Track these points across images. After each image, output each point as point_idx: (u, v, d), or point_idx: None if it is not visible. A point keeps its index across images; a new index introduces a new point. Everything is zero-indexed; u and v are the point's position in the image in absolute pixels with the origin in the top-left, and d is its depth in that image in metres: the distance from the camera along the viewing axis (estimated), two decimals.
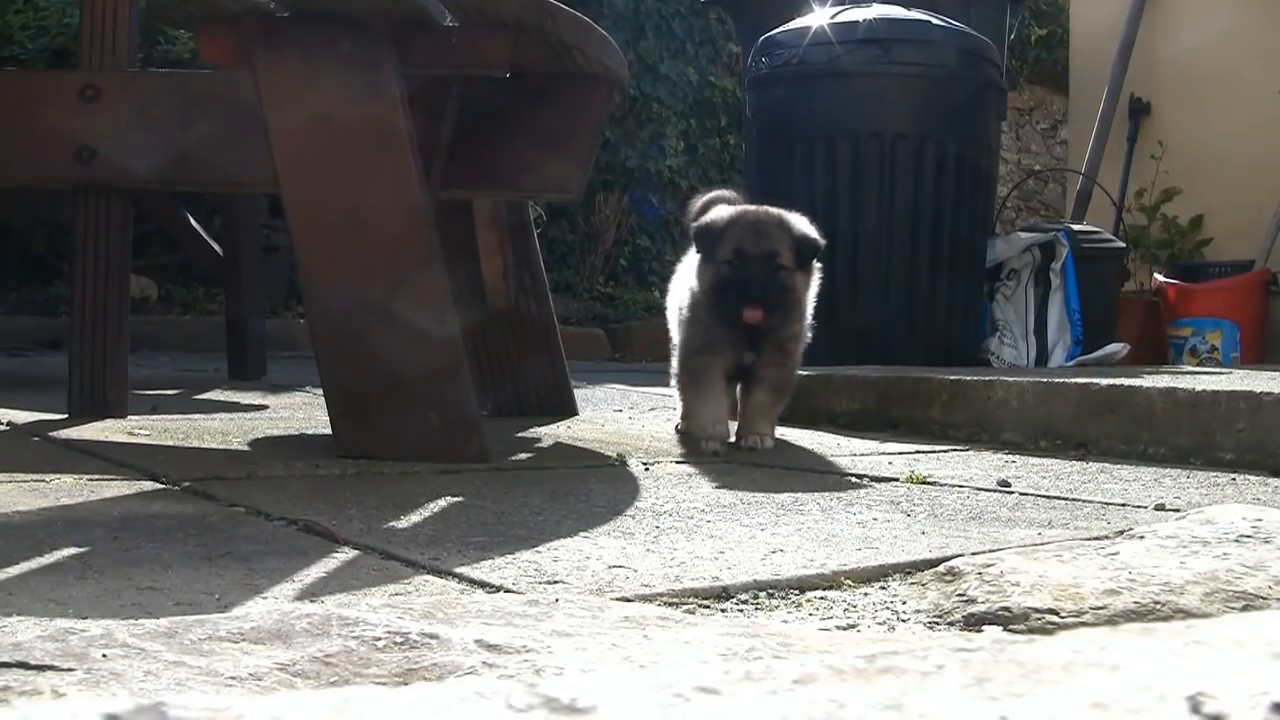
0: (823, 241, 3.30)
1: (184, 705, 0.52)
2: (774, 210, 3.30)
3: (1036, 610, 1.58)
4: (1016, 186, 9.78)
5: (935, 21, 5.34)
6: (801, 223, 3.28)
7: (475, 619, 1.36)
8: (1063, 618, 1.56)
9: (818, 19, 5.35)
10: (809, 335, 3.47)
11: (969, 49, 5.38)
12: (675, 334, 3.47)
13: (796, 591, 1.73)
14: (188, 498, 2.42)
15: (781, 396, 3.40)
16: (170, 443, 3.22)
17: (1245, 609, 1.55)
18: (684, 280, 3.44)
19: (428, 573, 1.79)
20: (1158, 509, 2.47)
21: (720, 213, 3.31)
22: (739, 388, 3.48)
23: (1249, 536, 1.78)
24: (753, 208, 3.33)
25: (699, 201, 3.74)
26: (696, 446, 3.25)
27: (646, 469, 2.98)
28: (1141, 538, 1.84)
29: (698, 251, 3.28)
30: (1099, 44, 8.50)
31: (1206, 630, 0.74)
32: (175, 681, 1.14)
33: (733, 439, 3.42)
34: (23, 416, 3.65)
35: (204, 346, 7.19)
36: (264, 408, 4.24)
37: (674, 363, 3.46)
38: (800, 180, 5.21)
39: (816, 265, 3.41)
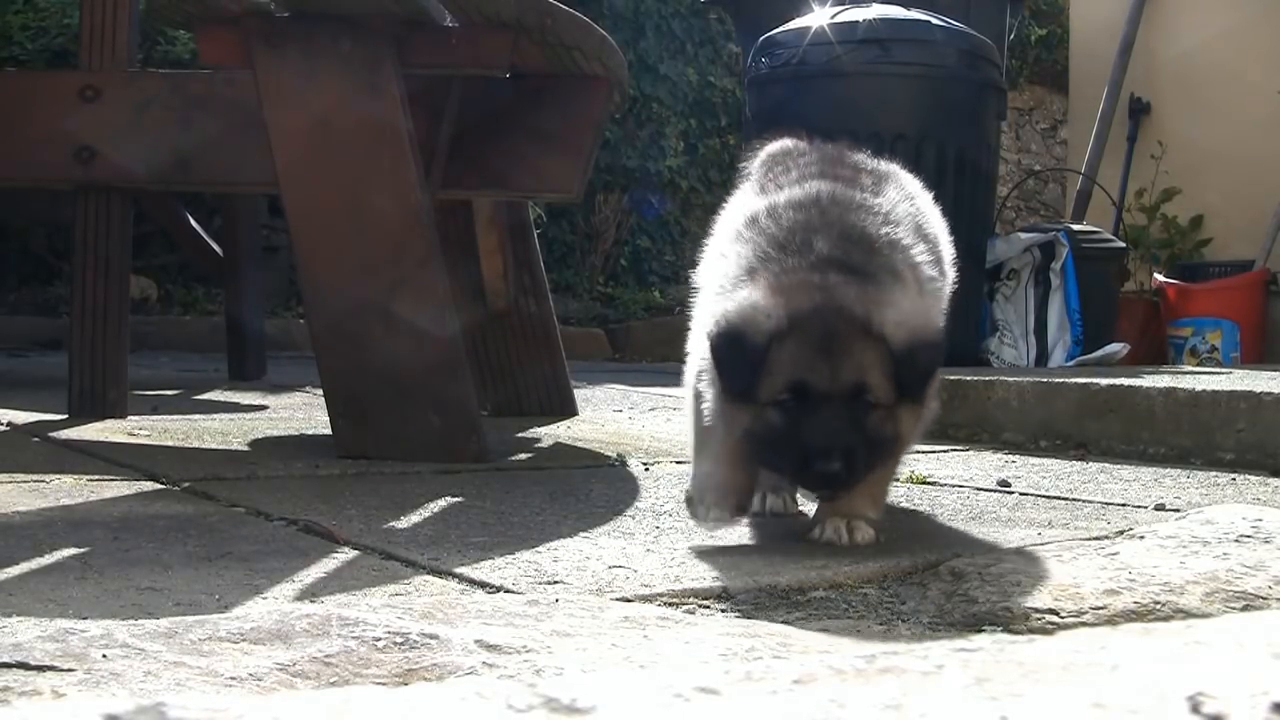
0: (942, 344, 2.05)
1: (184, 705, 0.52)
2: (858, 305, 1.96)
3: (1036, 610, 1.58)
4: (1016, 186, 9.78)
5: (935, 21, 5.34)
6: (901, 316, 1.99)
7: (475, 619, 1.36)
8: (1063, 618, 1.56)
9: (818, 19, 5.35)
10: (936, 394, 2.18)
11: (969, 49, 5.38)
12: (693, 370, 2.20)
13: (797, 592, 1.73)
14: (188, 498, 2.42)
15: (890, 463, 2.14)
16: (170, 443, 3.22)
17: (1245, 609, 1.55)
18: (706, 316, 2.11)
19: (428, 573, 1.79)
20: (1158, 509, 2.47)
21: (757, 306, 1.98)
22: None
23: (1249, 536, 1.78)
24: (819, 302, 1.97)
25: (755, 159, 2.45)
26: (693, 512, 2.13)
27: (646, 469, 2.98)
28: (1141, 538, 1.84)
29: (723, 383, 2.01)
30: (1099, 44, 8.49)
31: (1206, 630, 0.74)
32: (175, 682, 1.14)
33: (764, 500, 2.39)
34: (23, 416, 3.64)
35: (204, 346, 7.19)
36: (264, 408, 4.24)
37: (687, 396, 2.25)
38: None
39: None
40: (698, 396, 2.15)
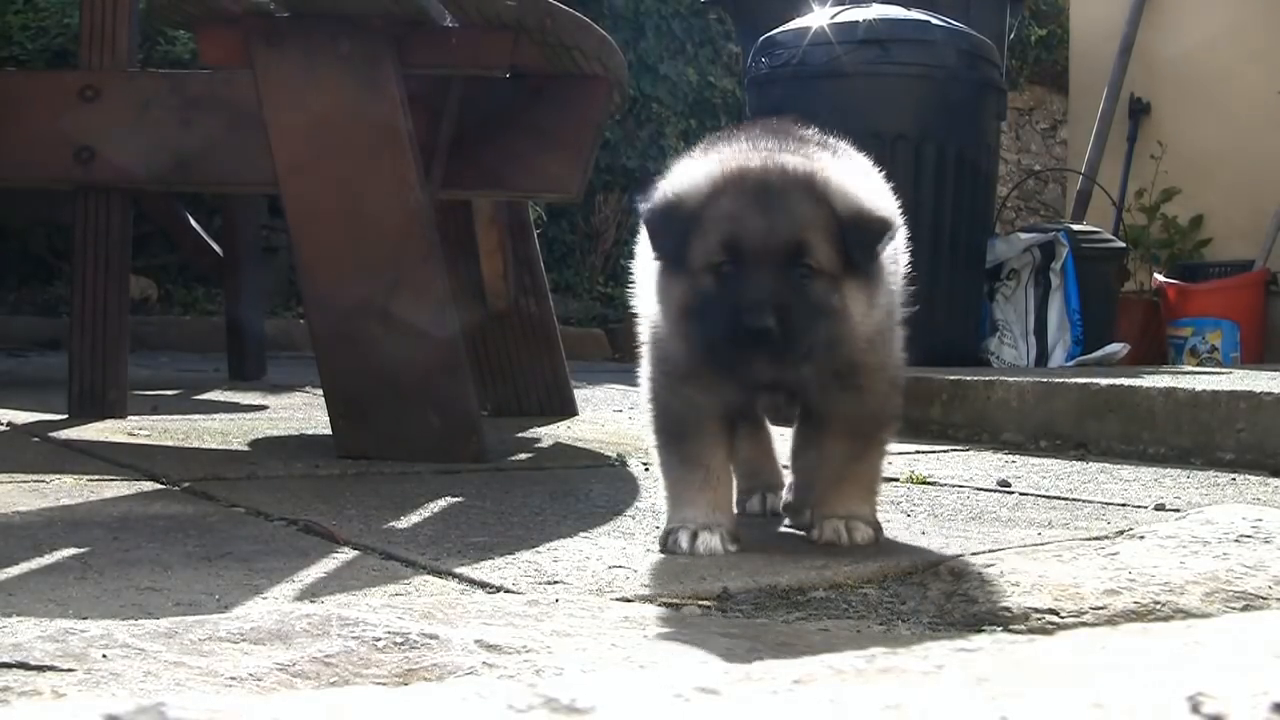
0: (896, 219, 1.94)
1: (184, 705, 0.52)
2: (799, 161, 1.89)
3: (1036, 610, 1.58)
4: (1016, 186, 9.78)
5: (935, 21, 5.33)
6: (853, 183, 1.91)
7: (475, 619, 1.36)
8: (1063, 618, 1.56)
9: (818, 19, 5.35)
10: (901, 358, 2.09)
11: (969, 49, 5.38)
12: (644, 363, 2.08)
13: (797, 592, 1.73)
14: (187, 498, 2.42)
15: (871, 443, 2.05)
16: (170, 443, 3.22)
17: (1245, 609, 1.55)
18: (645, 287, 2.05)
19: (428, 573, 1.79)
20: (1158, 509, 2.47)
21: (694, 173, 1.91)
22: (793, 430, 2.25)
23: (1249, 536, 1.78)
24: (760, 157, 1.89)
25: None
26: (674, 546, 1.95)
27: (646, 469, 2.98)
28: (1141, 538, 1.84)
29: (654, 251, 1.92)
30: (1099, 44, 8.50)
31: (1206, 630, 0.74)
32: (175, 682, 1.14)
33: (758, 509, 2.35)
34: (23, 416, 3.64)
35: (204, 346, 7.19)
36: (264, 408, 4.24)
37: (645, 398, 2.09)
38: None
39: (894, 255, 2.07)
40: (658, 409, 2.04)
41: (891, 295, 2.02)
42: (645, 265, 2.01)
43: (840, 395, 1.98)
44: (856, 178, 1.94)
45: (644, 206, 1.91)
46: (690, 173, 1.91)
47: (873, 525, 2.03)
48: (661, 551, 1.95)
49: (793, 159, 1.88)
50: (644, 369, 2.05)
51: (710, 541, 1.93)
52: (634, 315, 2.08)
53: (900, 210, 2.07)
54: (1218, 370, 5.10)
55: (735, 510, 2.08)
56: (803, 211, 1.83)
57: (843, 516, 2.01)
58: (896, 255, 2.09)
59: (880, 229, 1.86)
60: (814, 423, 2.07)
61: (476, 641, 1.28)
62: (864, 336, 1.92)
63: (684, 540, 1.93)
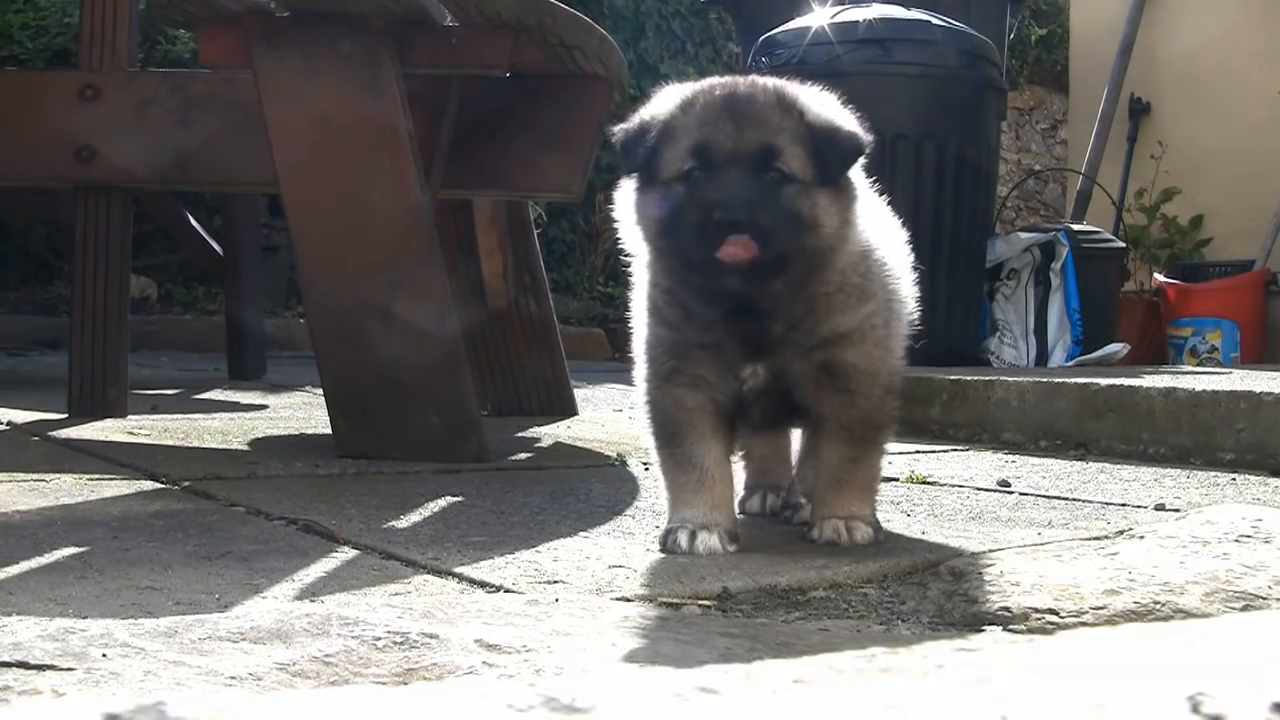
0: (867, 137, 1.92)
1: (184, 705, 0.52)
2: (770, 80, 1.93)
3: (1036, 610, 1.58)
4: (1016, 186, 9.78)
5: (935, 21, 5.33)
6: (820, 101, 1.93)
7: (475, 619, 1.36)
8: (1063, 618, 1.56)
9: (818, 19, 5.35)
10: (905, 327, 2.10)
11: (969, 49, 5.38)
12: (638, 365, 2.07)
13: (797, 592, 1.73)
14: (187, 497, 2.42)
15: (868, 445, 2.01)
16: (170, 442, 3.22)
17: (1245, 609, 1.55)
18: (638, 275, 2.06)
19: (428, 572, 1.79)
20: (1158, 509, 2.47)
21: (665, 95, 1.95)
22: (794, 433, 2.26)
23: (1249, 536, 1.78)
24: (730, 78, 1.94)
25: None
26: (673, 546, 1.95)
27: (646, 469, 2.98)
28: (1141, 538, 1.84)
29: (626, 168, 1.93)
30: (1099, 44, 8.49)
31: (1206, 630, 0.74)
32: (175, 681, 1.14)
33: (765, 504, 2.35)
34: (23, 416, 3.64)
35: (204, 346, 7.19)
36: (264, 407, 4.24)
37: (640, 400, 2.07)
38: None
39: (887, 220, 2.09)
40: (655, 413, 2.02)
41: (890, 294, 2.01)
42: (625, 198, 1.99)
43: (834, 398, 1.96)
44: (827, 99, 1.95)
45: (618, 128, 1.95)
46: (662, 96, 1.95)
47: (872, 525, 2.02)
48: (661, 551, 1.95)
49: (763, 78, 1.93)
50: (638, 371, 2.05)
51: (709, 541, 1.93)
52: (628, 318, 2.08)
53: (900, 210, 2.08)
54: (1218, 370, 5.10)
55: (735, 509, 2.07)
56: (772, 118, 1.85)
57: (842, 516, 2.00)
58: (900, 256, 2.09)
59: (852, 141, 1.88)
60: (812, 427, 2.07)
61: (476, 641, 1.28)
62: (841, 257, 1.90)
63: (683, 540, 1.93)
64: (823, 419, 1.99)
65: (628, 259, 2.06)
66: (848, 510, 2.00)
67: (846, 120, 1.92)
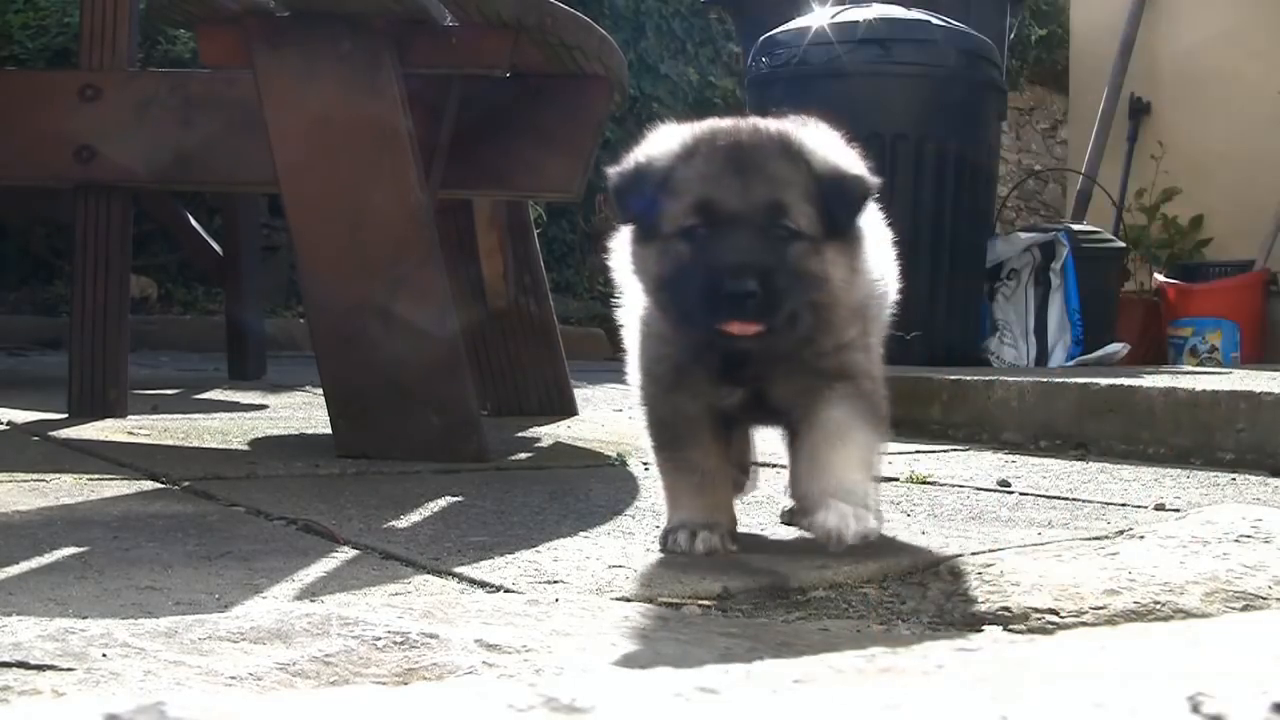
0: (874, 180, 1.86)
1: (184, 705, 0.52)
2: (773, 125, 1.84)
3: (1036, 610, 1.58)
4: (1016, 186, 9.78)
5: (935, 21, 5.33)
6: (828, 145, 1.85)
7: (475, 619, 1.36)
8: (1063, 618, 1.56)
9: (818, 19, 5.35)
10: (879, 348, 2.02)
11: (969, 49, 5.38)
12: (631, 359, 2.03)
13: (797, 592, 1.73)
14: (187, 497, 2.42)
15: (866, 417, 1.88)
16: (170, 442, 3.22)
17: (1245, 609, 1.55)
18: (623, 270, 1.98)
19: (428, 572, 1.79)
20: (1158, 509, 2.47)
21: (664, 138, 1.86)
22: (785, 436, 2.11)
23: (1249, 536, 1.78)
24: (731, 122, 1.85)
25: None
26: (674, 545, 1.93)
27: (646, 469, 2.98)
28: (1141, 538, 1.84)
29: (621, 217, 1.88)
30: (1099, 44, 8.49)
31: (1206, 630, 0.74)
32: (175, 681, 1.14)
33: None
34: (23, 416, 3.64)
35: (204, 346, 7.19)
36: (264, 407, 4.24)
37: (637, 404, 2.03)
38: None
39: (875, 226, 1.98)
40: (640, 346, 1.96)
41: (880, 300, 1.98)
42: (621, 245, 1.94)
43: (828, 390, 1.86)
44: (831, 141, 1.88)
45: (613, 171, 1.85)
46: (660, 138, 1.86)
47: (869, 514, 1.82)
48: (662, 551, 1.93)
49: (765, 122, 1.84)
50: (633, 376, 2.00)
51: (711, 540, 1.90)
52: (618, 322, 2.06)
53: (900, 210, 2.05)
54: (1218, 370, 5.10)
55: (734, 511, 2.04)
56: (779, 171, 1.76)
57: (832, 500, 1.80)
58: (885, 254, 2.03)
59: (861, 190, 1.81)
60: (801, 419, 1.91)
61: (476, 641, 1.28)
62: (846, 306, 1.84)
63: (683, 539, 1.91)
64: (815, 418, 1.86)
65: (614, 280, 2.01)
66: (851, 485, 1.81)
67: (852, 164, 1.84)
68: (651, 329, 1.93)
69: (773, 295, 1.71)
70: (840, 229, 1.79)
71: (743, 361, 1.86)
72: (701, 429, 1.93)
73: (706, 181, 1.75)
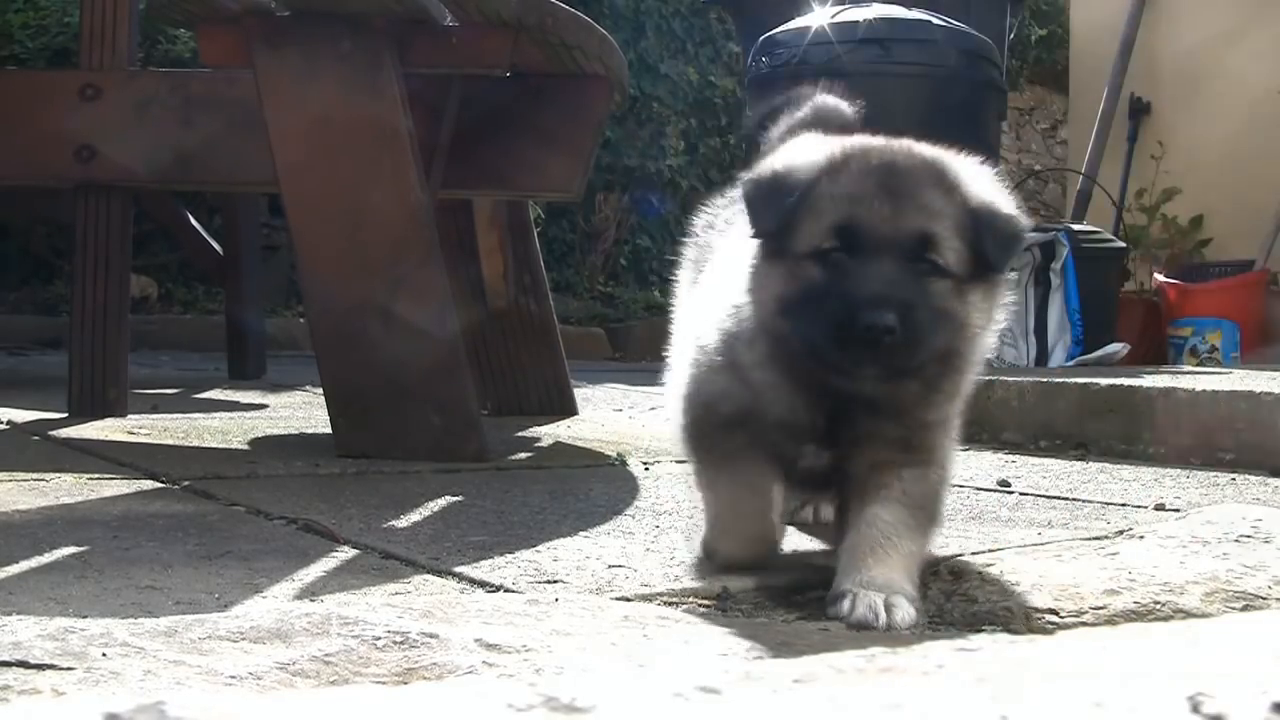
0: (1026, 223, 1.69)
1: (184, 704, 0.52)
2: (923, 148, 1.68)
3: (1036, 610, 1.58)
4: (1016, 186, 9.78)
5: (935, 21, 5.33)
6: (983, 178, 1.69)
7: (475, 618, 1.36)
8: (1063, 618, 1.56)
9: (818, 19, 5.35)
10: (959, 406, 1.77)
11: (969, 49, 5.38)
12: (680, 385, 1.82)
13: (797, 592, 1.73)
14: (187, 497, 2.42)
15: (926, 514, 1.71)
16: (170, 442, 3.22)
17: (1245, 609, 1.55)
18: (706, 300, 1.81)
19: (427, 572, 1.79)
20: (1158, 509, 2.47)
21: (808, 149, 1.69)
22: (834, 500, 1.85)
23: (1249, 536, 1.78)
24: (880, 141, 1.68)
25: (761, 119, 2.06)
26: (713, 570, 1.79)
27: (646, 469, 2.98)
28: (1141, 538, 1.84)
29: (753, 227, 1.66)
30: (1099, 44, 8.49)
31: (1206, 630, 0.74)
32: (175, 680, 1.14)
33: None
34: (23, 415, 3.64)
35: (204, 346, 7.19)
36: (264, 407, 4.24)
37: (681, 436, 1.83)
38: None
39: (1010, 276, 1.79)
40: (696, 375, 1.76)
41: (997, 314, 1.72)
42: (724, 255, 1.77)
43: (903, 469, 1.68)
44: (985, 174, 1.70)
45: (745, 178, 1.69)
46: (804, 148, 1.69)
47: (915, 603, 1.62)
48: (703, 553, 1.81)
49: (918, 145, 1.67)
50: (676, 388, 1.81)
51: (744, 554, 1.77)
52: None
53: None
54: (1218, 370, 5.10)
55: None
56: (934, 200, 1.59)
57: (881, 588, 1.60)
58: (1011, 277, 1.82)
59: (1014, 231, 1.63)
60: (856, 492, 1.70)
61: (476, 641, 1.28)
62: (975, 360, 1.69)
63: (723, 554, 1.79)
64: (880, 485, 1.68)
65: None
66: (887, 580, 1.62)
67: (1006, 202, 1.67)
68: (726, 359, 1.71)
69: (912, 333, 1.54)
70: (990, 273, 1.62)
71: (851, 412, 1.66)
72: (759, 460, 1.73)
73: (853, 202, 1.58)
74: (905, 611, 1.58)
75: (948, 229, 1.59)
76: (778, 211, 1.61)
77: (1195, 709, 0.57)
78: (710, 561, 1.81)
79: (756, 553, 1.79)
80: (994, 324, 1.70)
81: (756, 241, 1.65)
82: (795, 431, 1.69)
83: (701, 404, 1.75)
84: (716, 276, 1.82)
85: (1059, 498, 2.65)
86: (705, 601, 1.66)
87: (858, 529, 1.67)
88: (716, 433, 1.75)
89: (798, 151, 1.68)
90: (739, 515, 1.79)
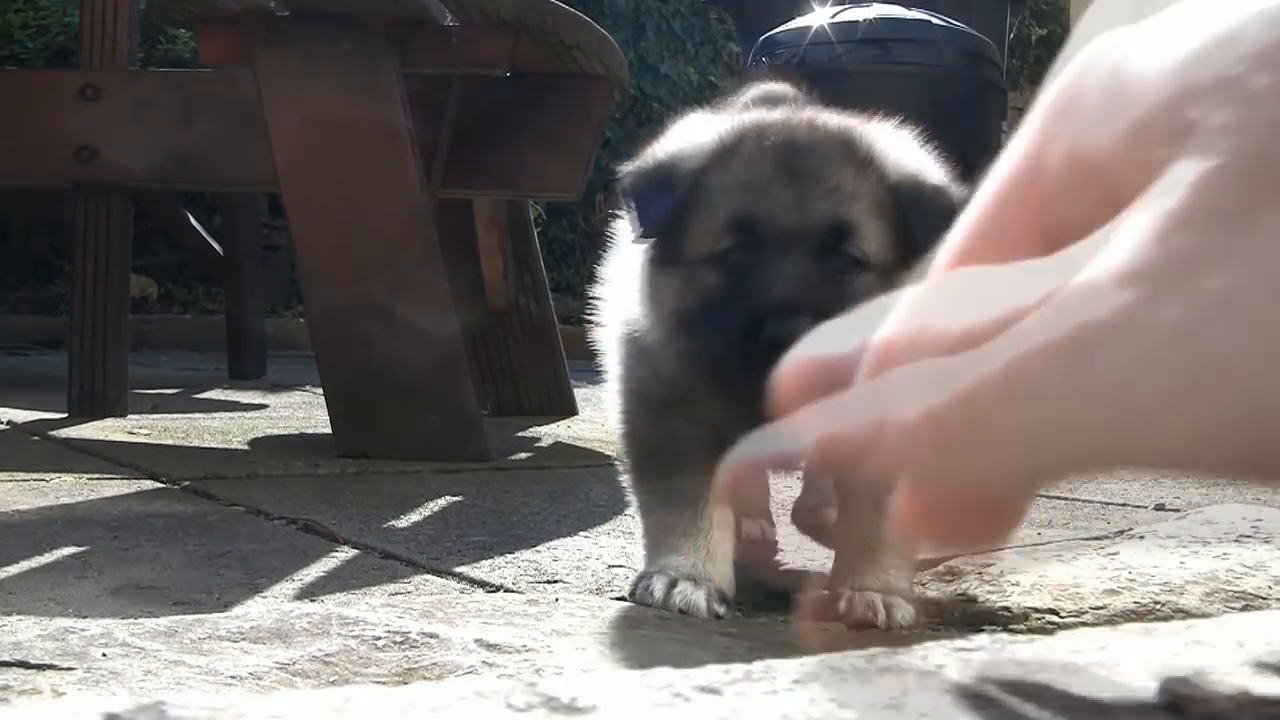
0: (959, 191, 1.45)
1: (183, 704, 0.52)
2: (829, 118, 1.46)
3: (1036, 610, 1.58)
4: None
5: (935, 21, 5.33)
6: (903, 146, 1.48)
7: (475, 618, 1.36)
8: (1063, 618, 1.56)
9: (818, 19, 5.35)
10: None
11: (969, 49, 5.38)
12: (615, 398, 1.61)
13: (797, 592, 1.73)
14: (187, 497, 2.42)
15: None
16: (170, 442, 3.22)
17: (1245, 609, 1.55)
18: (620, 302, 1.57)
19: (427, 572, 1.79)
20: (1158, 509, 2.47)
21: (695, 131, 1.47)
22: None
23: (1249, 536, 1.78)
24: (782, 114, 1.46)
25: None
26: (644, 595, 1.49)
27: None
28: (1141, 538, 1.84)
29: (638, 233, 1.44)
30: None
31: (1206, 630, 0.74)
32: (175, 680, 1.14)
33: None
34: (23, 415, 3.65)
35: (204, 346, 7.19)
36: (264, 407, 4.24)
37: (615, 424, 1.64)
38: None
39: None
40: (622, 393, 1.54)
41: None
42: (622, 257, 1.54)
43: None
44: (905, 140, 1.49)
45: (625, 170, 1.46)
46: (690, 129, 1.47)
47: (913, 602, 1.55)
48: (630, 599, 1.50)
49: (825, 114, 1.45)
50: (612, 396, 1.60)
51: (691, 596, 1.45)
52: (594, 328, 1.66)
53: None
54: None
55: (731, 566, 1.56)
56: (845, 180, 1.36)
57: (878, 589, 1.49)
58: None
59: (944, 204, 1.38)
60: (840, 490, 1.56)
61: (476, 641, 1.28)
62: None
63: (658, 589, 1.46)
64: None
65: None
66: (883, 582, 1.50)
67: (933, 171, 1.45)
68: (644, 348, 1.50)
69: None
70: (918, 254, 1.33)
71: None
72: (698, 456, 1.46)
73: (748, 191, 1.36)
74: (904, 610, 1.51)
75: (865, 212, 1.36)
76: (662, 211, 1.38)
77: (1182, 711, 0.57)
78: (643, 585, 1.51)
79: (697, 567, 1.51)
80: None
81: (644, 245, 1.43)
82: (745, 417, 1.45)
83: (628, 432, 1.56)
84: (617, 285, 1.57)
85: (1059, 498, 2.65)
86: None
87: (846, 528, 1.56)
88: (648, 458, 1.56)
89: (683, 133, 1.46)
90: (673, 531, 1.52)
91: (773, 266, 1.32)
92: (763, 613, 1.63)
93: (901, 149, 1.44)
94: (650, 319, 1.44)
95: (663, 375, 1.47)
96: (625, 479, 1.60)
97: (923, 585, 1.76)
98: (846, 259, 1.35)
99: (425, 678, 1.19)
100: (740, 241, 1.35)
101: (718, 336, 1.35)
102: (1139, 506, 2.52)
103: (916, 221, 1.35)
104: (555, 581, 1.73)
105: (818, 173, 1.35)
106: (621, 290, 1.53)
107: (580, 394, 4.50)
